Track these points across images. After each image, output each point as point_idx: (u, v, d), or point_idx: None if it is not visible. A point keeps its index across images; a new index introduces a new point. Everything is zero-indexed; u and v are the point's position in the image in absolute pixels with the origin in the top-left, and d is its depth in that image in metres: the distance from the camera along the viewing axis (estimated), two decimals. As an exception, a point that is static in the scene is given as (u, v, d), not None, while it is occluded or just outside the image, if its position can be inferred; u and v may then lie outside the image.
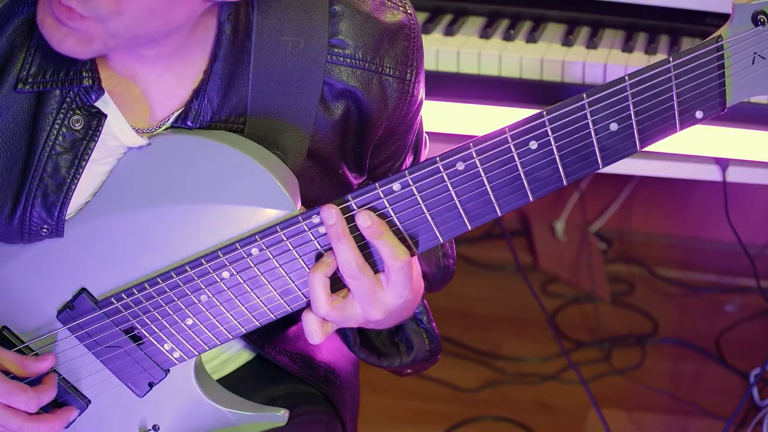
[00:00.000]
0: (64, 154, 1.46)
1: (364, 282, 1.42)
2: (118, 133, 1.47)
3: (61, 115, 1.45)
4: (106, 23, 1.35)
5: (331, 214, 1.39)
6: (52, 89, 1.44)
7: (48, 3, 1.36)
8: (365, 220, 1.40)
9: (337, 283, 1.45)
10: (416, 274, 1.48)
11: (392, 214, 1.41)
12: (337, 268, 1.43)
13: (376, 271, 1.44)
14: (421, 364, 1.65)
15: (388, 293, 1.44)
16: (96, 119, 1.46)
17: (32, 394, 1.52)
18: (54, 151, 1.46)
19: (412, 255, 1.44)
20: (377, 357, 1.63)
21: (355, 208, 1.41)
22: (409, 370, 1.67)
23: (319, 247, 1.43)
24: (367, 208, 1.40)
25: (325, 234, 1.42)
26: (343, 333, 1.62)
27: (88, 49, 1.38)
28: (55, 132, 1.45)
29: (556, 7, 2.48)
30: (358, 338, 1.62)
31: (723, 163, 2.35)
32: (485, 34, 2.40)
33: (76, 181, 1.47)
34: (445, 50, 2.35)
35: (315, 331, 1.46)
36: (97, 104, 1.46)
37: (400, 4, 1.55)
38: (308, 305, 1.47)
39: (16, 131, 1.46)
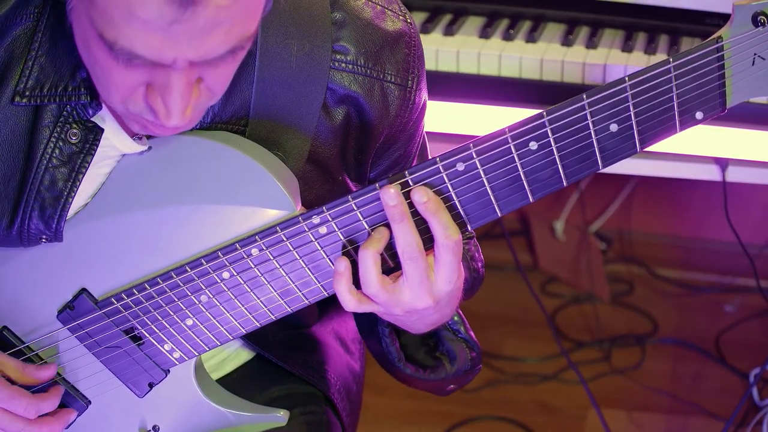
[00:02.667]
0: (61, 167, 1.46)
1: (420, 264, 1.40)
2: (116, 143, 1.47)
3: (58, 129, 1.45)
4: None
5: (391, 195, 1.37)
6: (50, 104, 1.44)
7: (144, 124, 1.39)
8: (422, 196, 1.38)
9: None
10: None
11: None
12: (388, 252, 1.41)
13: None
14: (464, 375, 1.62)
15: (439, 277, 1.41)
16: (93, 133, 1.45)
17: (32, 400, 1.52)
18: (51, 164, 1.45)
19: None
20: (423, 370, 1.60)
21: (411, 184, 1.39)
22: (452, 386, 1.64)
23: (320, 248, 1.43)
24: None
25: (325, 235, 1.42)
26: (387, 350, 1.59)
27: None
28: (52, 145, 1.45)
29: (556, 7, 2.47)
30: (402, 354, 1.59)
31: (723, 163, 2.35)
32: (485, 34, 2.40)
33: (73, 194, 1.47)
34: (445, 50, 2.35)
35: (349, 300, 1.43)
36: (94, 119, 1.45)
37: (400, 12, 1.55)
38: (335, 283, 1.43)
39: (13, 144, 1.45)
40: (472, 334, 1.63)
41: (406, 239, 1.39)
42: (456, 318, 1.60)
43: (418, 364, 1.60)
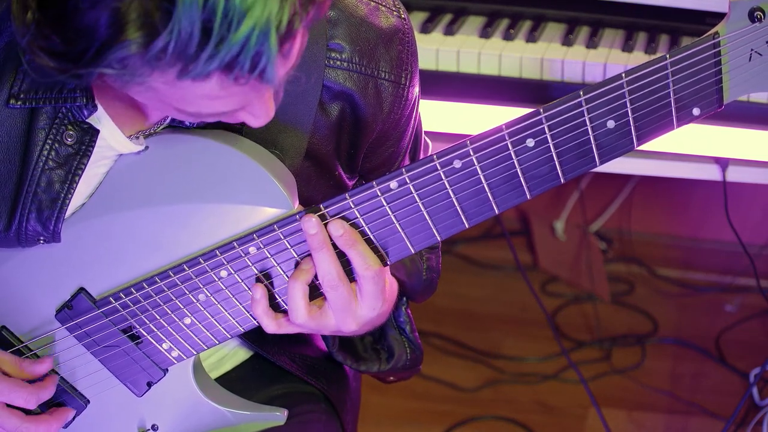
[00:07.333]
0: (57, 169, 1.45)
1: (342, 292, 1.43)
2: (113, 143, 1.47)
3: (54, 131, 1.44)
4: None
5: (312, 224, 1.40)
6: (45, 106, 1.43)
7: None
8: (337, 229, 1.41)
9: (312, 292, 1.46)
10: (389, 286, 1.49)
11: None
12: (315, 277, 1.44)
13: (351, 280, 1.45)
14: (401, 372, 1.66)
15: (362, 305, 1.45)
16: (89, 135, 1.45)
17: (32, 390, 1.52)
18: (47, 165, 1.45)
19: (386, 264, 1.45)
20: (355, 360, 1.65)
21: (328, 217, 1.41)
22: (391, 378, 1.69)
23: (317, 246, 1.44)
24: (339, 217, 1.41)
25: (325, 232, 1.43)
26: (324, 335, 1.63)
27: None
28: (48, 147, 1.44)
29: (556, 7, 2.47)
30: (337, 340, 1.63)
31: (723, 163, 2.35)
32: (485, 33, 2.40)
33: (70, 196, 1.46)
34: (445, 50, 2.35)
35: (267, 324, 1.47)
36: (89, 120, 1.44)
37: (394, 8, 1.55)
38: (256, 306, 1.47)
39: (9, 146, 1.45)
40: (416, 335, 1.66)
41: (326, 268, 1.42)
42: (404, 318, 1.64)
43: (353, 353, 1.65)
